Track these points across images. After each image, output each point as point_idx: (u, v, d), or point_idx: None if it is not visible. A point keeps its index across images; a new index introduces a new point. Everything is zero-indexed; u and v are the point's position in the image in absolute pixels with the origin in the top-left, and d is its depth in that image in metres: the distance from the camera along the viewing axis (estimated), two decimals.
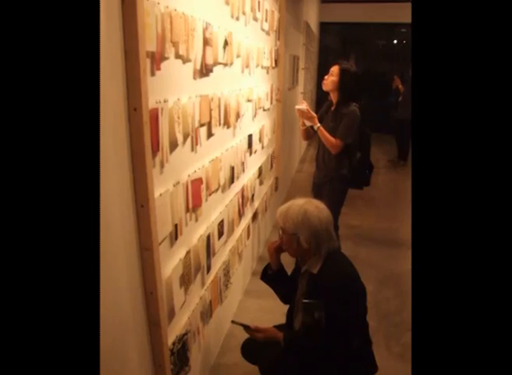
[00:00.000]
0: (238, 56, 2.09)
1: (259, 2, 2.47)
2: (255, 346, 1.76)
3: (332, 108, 2.81)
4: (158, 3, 1.19)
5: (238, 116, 2.15)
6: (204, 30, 1.56)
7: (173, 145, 1.39)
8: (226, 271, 2.11)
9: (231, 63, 1.98)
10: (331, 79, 2.73)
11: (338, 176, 2.81)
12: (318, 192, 2.99)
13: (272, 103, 3.25)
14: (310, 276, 1.60)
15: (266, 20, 2.75)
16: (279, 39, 3.38)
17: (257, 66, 2.60)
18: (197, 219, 1.68)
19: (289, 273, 1.82)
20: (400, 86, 6.55)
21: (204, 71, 1.63)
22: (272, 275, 1.78)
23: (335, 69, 2.73)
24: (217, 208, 1.95)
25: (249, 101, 2.42)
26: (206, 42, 1.58)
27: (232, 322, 1.72)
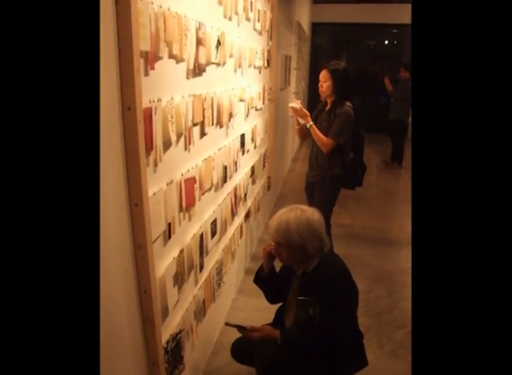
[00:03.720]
0: (231, 56, 2.10)
1: (251, 2, 2.47)
2: (245, 347, 1.77)
3: (327, 108, 2.82)
4: (152, 3, 1.20)
5: (231, 115, 2.16)
6: (197, 29, 1.56)
7: (167, 144, 1.39)
8: (219, 270, 2.12)
9: (224, 63, 1.98)
10: (325, 85, 2.75)
11: (330, 176, 2.83)
12: (310, 191, 3.00)
13: (264, 103, 3.26)
14: (304, 275, 1.62)
15: (258, 20, 2.75)
16: (271, 39, 3.39)
17: (250, 65, 2.61)
18: (190, 218, 1.68)
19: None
20: (389, 86, 6.55)
21: (197, 71, 1.63)
22: (264, 277, 1.79)
23: (324, 74, 2.75)
24: (210, 207, 1.96)
25: (241, 100, 2.43)
26: (199, 42, 1.58)
27: (226, 324, 1.72)
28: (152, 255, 1.27)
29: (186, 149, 1.58)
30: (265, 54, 3.16)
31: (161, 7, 1.25)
